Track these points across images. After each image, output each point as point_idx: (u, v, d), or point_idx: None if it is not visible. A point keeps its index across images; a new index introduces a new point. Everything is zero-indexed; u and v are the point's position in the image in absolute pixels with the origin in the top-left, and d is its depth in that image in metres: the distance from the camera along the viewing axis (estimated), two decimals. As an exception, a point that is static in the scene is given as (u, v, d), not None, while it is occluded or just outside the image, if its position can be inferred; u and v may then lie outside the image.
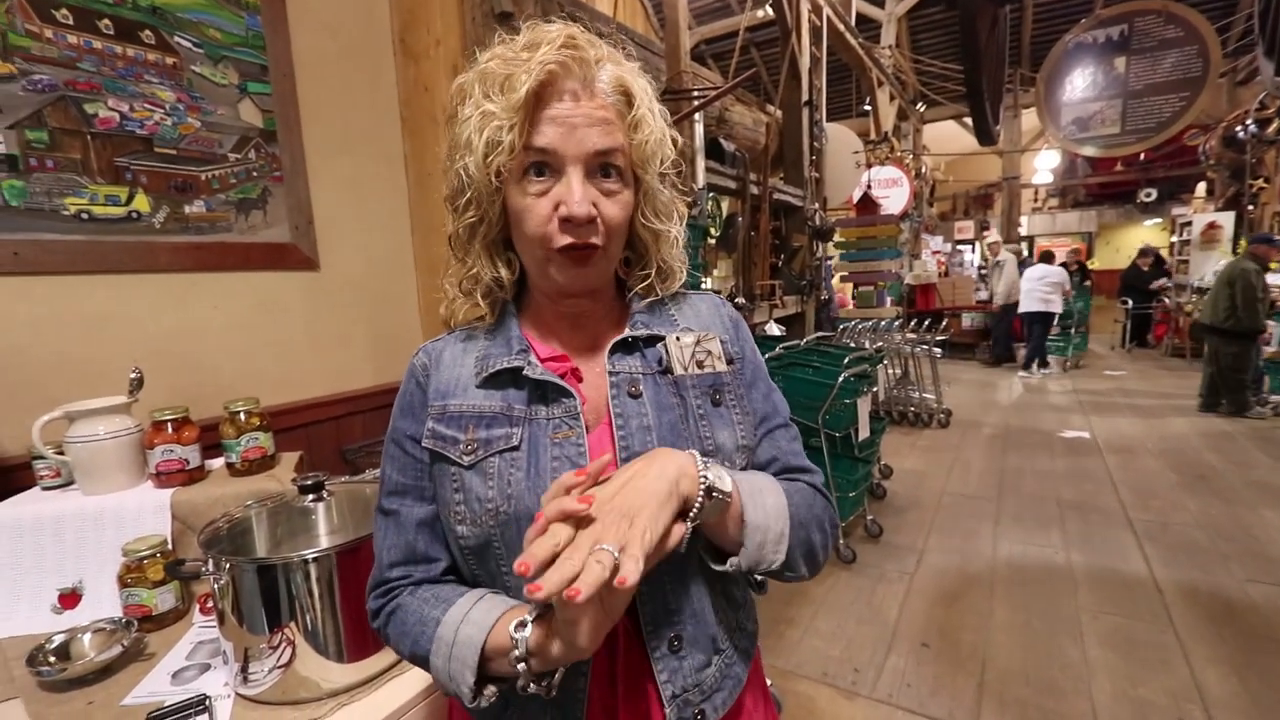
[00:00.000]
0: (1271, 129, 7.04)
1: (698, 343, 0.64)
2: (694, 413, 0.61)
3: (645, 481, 0.49)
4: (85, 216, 1.29)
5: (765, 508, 0.57)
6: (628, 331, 0.64)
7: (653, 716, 0.59)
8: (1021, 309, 7.28)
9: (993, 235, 7.27)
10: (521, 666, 0.49)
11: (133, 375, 1.05)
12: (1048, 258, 7.63)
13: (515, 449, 0.58)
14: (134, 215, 1.36)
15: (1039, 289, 7.07)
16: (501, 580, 0.60)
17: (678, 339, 0.64)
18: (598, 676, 0.60)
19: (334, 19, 1.72)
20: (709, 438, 0.61)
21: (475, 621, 0.55)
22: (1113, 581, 2.64)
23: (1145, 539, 3.02)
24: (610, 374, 0.61)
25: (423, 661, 0.58)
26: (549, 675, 0.51)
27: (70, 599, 0.93)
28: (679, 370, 0.62)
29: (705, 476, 0.52)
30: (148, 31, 1.39)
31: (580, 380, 0.63)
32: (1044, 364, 7.41)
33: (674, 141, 0.63)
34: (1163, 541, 2.98)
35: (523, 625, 0.50)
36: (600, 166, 0.57)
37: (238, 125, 1.54)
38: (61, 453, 1.01)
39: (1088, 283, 9.11)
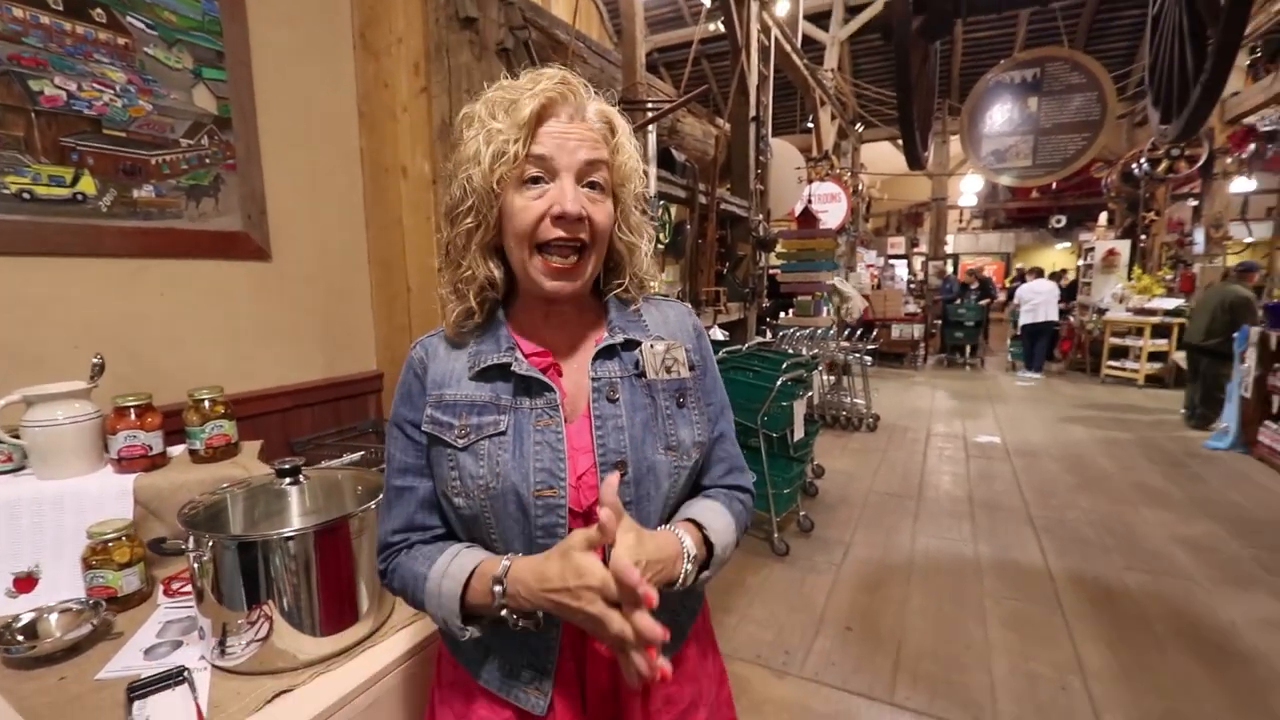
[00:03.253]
0: (1160, 168, 7.85)
1: (668, 350, 0.74)
2: (662, 412, 0.71)
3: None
4: (27, 196, 1.25)
5: (729, 550, 0.73)
6: (608, 338, 0.72)
7: (614, 664, 0.69)
8: (1031, 320, 8.43)
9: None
10: (504, 613, 0.62)
11: (95, 361, 1.04)
12: (1041, 273, 9.24)
13: (503, 434, 0.67)
14: (79, 197, 1.33)
15: (1050, 301, 8.35)
16: (490, 544, 0.69)
17: (651, 346, 0.73)
18: (570, 629, 0.69)
19: (294, 10, 1.72)
20: (673, 434, 0.71)
21: (453, 576, 0.65)
22: (1013, 570, 2.92)
23: (1043, 533, 3.34)
24: (593, 379, 0.70)
25: (420, 608, 0.68)
26: (533, 614, 0.63)
27: (26, 583, 0.92)
28: (651, 375, 0.72)
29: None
30: (99, 10, 1.36)
31: (560, 375, 0.72)
32: (1039, 369, 8.57)
33: (644, 174, 0.74)
34: (1058, 535, 3.31)
35: (499, 580, 0.62)
36: (588, 177, 0.66)
37: (191, 110, 1.51)
38: (17, 436, 0.99)
39: (985, 300, 9.82)
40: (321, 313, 1.82)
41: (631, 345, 0.73)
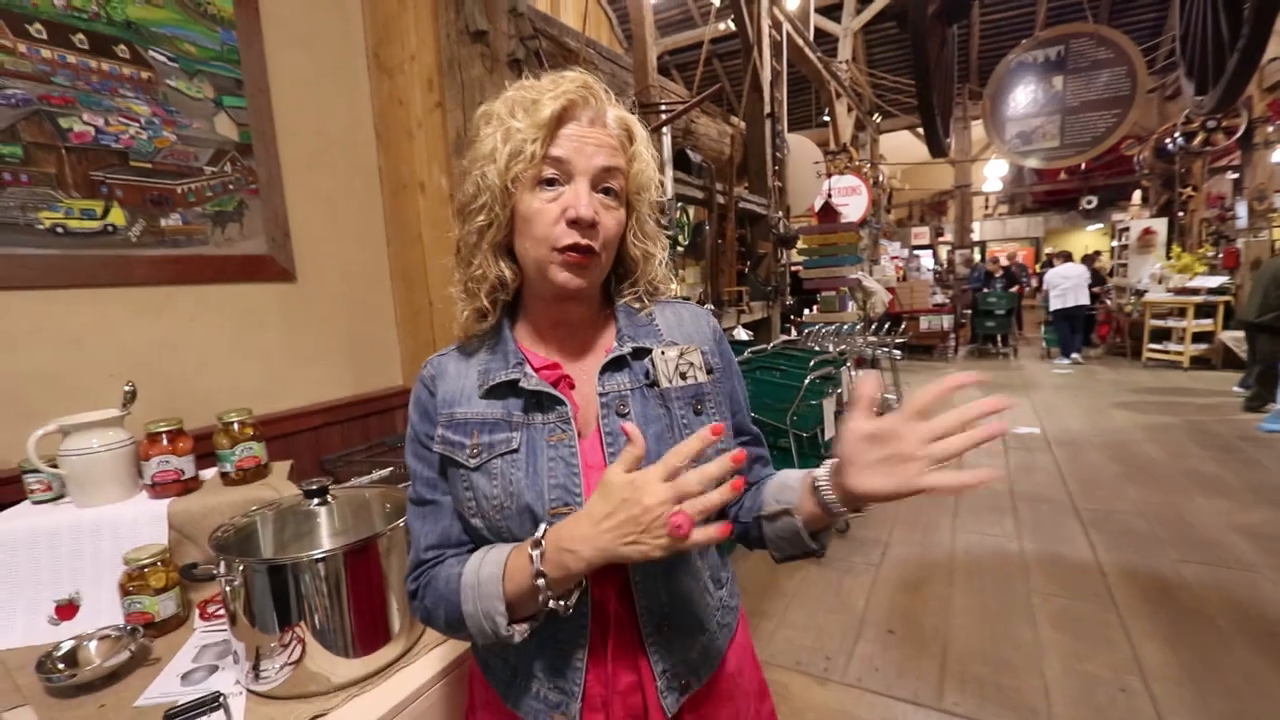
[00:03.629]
0: (1196, 142, 7.55)
1: (681, 355, 0.71)
2: (678, 422, 0.68)
3: None
4: (60, 230, 1.29)
5: None
6: (616, 349, 0.70)
7: (645, 687, 0.67)
8: (1061, 305, 8.11)
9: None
10: (540, 582, 0.57)
11: (126, 389, 1.06)
12: (1069, 256, 8.85)
13: (515, 451, 0.65)
14: (110, 229, 1.36)
15: (1081, 285, 8.04)
16: None
17: (663, 353, 0.70)
18: (594, 652, 0.67)
19: (308, 34, 1.74)
20: None
21: (492, 560, 0.62)
22: (1061, 566, 2.81)
23: (1090, 526, 3.21)
24: (600, 394, 0.68)
25: (457, 618, 0.63)
26: (566, 595, 0.59)
27: (67, 610, 0.94)
28: (664, 383, 0.69)
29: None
30: (122, 46, 1.39)
31: (572, 387, 0.70)
32: (1077, 354, 8.27)
33: (660, 184, 0.72)
34: (1106, 528, 3.18)
35: (536, 544, 0.58)
36: (603, 183, 0.65)
37: (213, 139, 1.55)
38: (55, 466, 1.01)
39: (1014, 287, 9.58)
40: (347, 331, 1.84)
41: (641, 354, 0.71)
